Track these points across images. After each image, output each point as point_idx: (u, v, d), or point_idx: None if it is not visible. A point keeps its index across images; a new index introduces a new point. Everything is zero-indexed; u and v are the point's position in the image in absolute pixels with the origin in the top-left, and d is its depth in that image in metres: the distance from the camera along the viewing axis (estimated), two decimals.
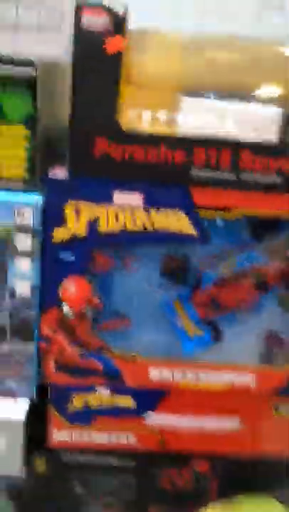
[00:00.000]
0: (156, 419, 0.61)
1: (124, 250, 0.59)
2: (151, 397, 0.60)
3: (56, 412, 0.61)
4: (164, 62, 0.58)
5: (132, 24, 0.56)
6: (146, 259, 0.59)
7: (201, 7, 0.69)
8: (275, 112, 0.49)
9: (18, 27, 0.50)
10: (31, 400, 0.61)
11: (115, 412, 0.61)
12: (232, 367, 0.57)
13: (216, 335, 0.60)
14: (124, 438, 0.62)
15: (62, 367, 0.59)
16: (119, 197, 0.52)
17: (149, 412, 0.61)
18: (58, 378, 0.59)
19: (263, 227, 0.57)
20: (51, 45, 0.50)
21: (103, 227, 0.53)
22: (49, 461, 0.64)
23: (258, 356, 0.61)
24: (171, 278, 0.59)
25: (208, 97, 0.55)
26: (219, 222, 0.53)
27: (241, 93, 0.56)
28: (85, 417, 0.61)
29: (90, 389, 0.60)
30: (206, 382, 0.58)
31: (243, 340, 0.61)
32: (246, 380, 0.58)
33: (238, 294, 0.57)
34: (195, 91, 0.57)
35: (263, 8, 0.72)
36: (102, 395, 0.60)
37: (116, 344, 0.59)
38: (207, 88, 0.57)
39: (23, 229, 0.55)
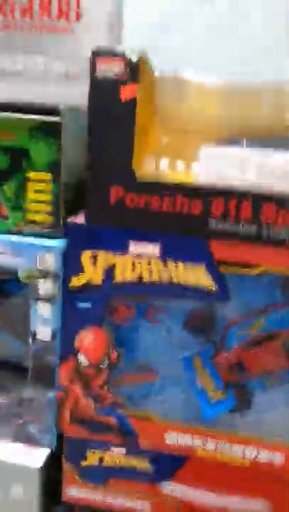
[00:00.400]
0: (173, 488, 0.55)
1: (147, 302, 0.56)
2: (169, 464, 0.55)
3: (69, 466, 0.58)
4: (201, 109, 0.57)
5: (168, 71, 0.55)
6: (171, 312, 0.56)
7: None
8: None
9: (46, 76, 0.51)
10: (51, 449, 0.59)
11: (131, 475, 0.57)
12: (258, 441, 0.51)
13: (243, 401, 0.54)
14: (138, 504, 0.57)
15: (78, 419, 0.56)
16: (136, 246, 0.49)
17: (166, 480, 0.56)
18: (72, 430, 0.57)
19: None
20: (75, 93, 0.50)
21: (119, 276, 0.51)
22: None
23: None
24: (195, 334, 0.55)
25: (243, 146, 0.52)
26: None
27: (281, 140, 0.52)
28: (100, 475, 0.58)
29: (106, 446, 0.57)
30: (227, 454, 0.52)
31: (276, 411, 0.54)
32: (273, 458, 0.51)
33: (265, 358, 0.51)
34: (232, 139, 0.54)
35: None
36: (117, 455, 0.56)
37: (134, 401, 0.55)
38: (245, 136, 0.54)
39: (45, 273, 0.54)
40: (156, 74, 0.51)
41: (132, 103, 0.44)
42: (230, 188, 0.44)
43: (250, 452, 0.51)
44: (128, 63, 0.43)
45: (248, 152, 0.45)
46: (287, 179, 0.44)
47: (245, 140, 0.52)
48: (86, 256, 0.51)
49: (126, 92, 0.44)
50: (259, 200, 0.44)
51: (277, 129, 0.54)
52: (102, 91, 0.45)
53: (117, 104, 0.45)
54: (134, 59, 0.43)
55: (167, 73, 0.55)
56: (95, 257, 0.51)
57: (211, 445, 0.52)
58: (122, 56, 0.44)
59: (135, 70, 0.44)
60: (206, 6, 0.80)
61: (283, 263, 0.46)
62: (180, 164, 0.47)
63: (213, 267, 0.48)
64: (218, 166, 0.45)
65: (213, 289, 0.48)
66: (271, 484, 0.52)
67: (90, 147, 0.47)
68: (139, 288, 0.51)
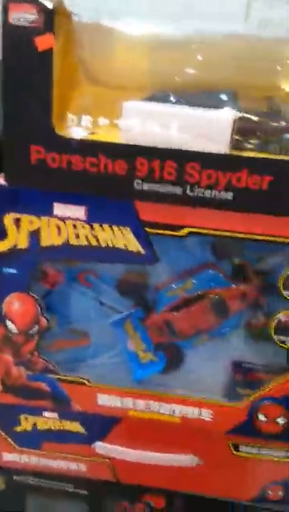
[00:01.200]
0: (107, 448, 0.56)
1: (77, 266, 0.55)
2: (101, 425, 0.55)
3: (3, 433, 0.58)
4: (128, 62, 0.54)
5: (91, 19, 0.52)
6: (102, 275, 0.55)
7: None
8: (227, 118, 0.42)
9: None
10: None
11: (65, 438, 0.57)
12: (187, 398, 0.52)
13: (173, 361, 0.54)
14: (74, 465, 0.58)
15: (9, 387, 0.55)
16: (61, 209, 0.47)
17: (100, 441, 0.56)
18: (4, 398, 0.56)
19: (224, 247, 0.51)
20: None
21: (45, 240, 0.49)
22: (4, 480, 0.61)
23: (222, 387, 0.55)
24: (126, 297, 0.54)
25: (170, 102, 0.50)
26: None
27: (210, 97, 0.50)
28: (34, 440, 0.58)
29: (38, 411, 0.56)
30: (157, 413, 0.53)
31: (204, 368, 0.55)
32: (202, 414, 0.52)
33: (194, 319, 0.52)
34: (160, 95, 0.52)
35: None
36: (49, 419, 0.56)
37: (66, 366, 0.55)
38: (177, 90, 0.52)
39: None
40: (78, 22, 0.47)
41: (48, 54, 0.41)
42: (154, 146, 0.43)
43: (180, 410, 0.52)
44: (43, 10, 0.40)
45: (172, 108, 0.44)
46: (212, 137, 0.42)
47: (172, 96, 0.50)
48: (9, 219, 0.48)
49: (41, 42, 0.41)
50: (183, 159, 0.43)
51: (208, 84, 0.53)
52: (15, 41, 0.41)
53: (32, 55, 0.41)
54: (50, 5, 0.40)
55: (91, 22, 0.52)
56: (18, 221, 0.48)
57: (141, 405, 0.53)
58: (37, 2, 0.40)
59: (51, 17, 0.40)
60: None
61: (210, 224, 0.45)
62: (103, 121, 0.45)
63: (140, 229, 0.47)
64: (141, 123, 0.43)
65: (141, 251, 0.47)
66: (200, 439, 0.54)
67: (4, 103, 0.43)
68: (67, 252, 0.49)
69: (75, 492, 0.59)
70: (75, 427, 0.56)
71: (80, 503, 0.60)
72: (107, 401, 0.53)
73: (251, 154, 0.43)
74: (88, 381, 0.53)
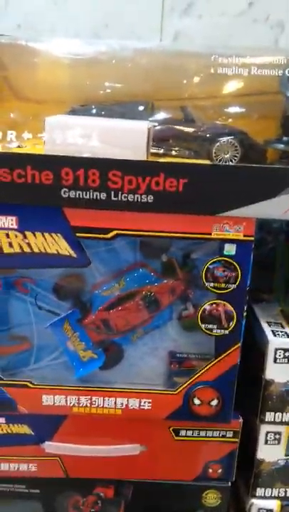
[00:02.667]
0: (55, 447, 0.58)
1: (13, 273, 0.57)
2: (48, 425, 0.58)
3: None
4: (51, 78, 0.57)
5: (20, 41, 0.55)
6: (38, 281, 0.57)
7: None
8: (142, 127, 0.46)
9: None
10: None
11: (14, 441, 0.59)
12: (126, 391, 0.55)
13: (112, 357, 0.58)
14: (24, 466, 0.60)
15: None
16: None
17: (48, 440, 0.58)
18: None
19: (152, 246, 0.55)
20: None
21: None
22: None
23: (160, 377, 0.59)
24: (63, 299, 0.57)
25: (92, 114, 0.54)
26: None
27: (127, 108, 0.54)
28: None
29: None
30: (100, 408, 0.56)
31: (144, 361, 0.59)
32: (141, 404, 0.56)
33: (129, 315, 0.55)
34: (83, 106, 0.56)
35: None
36: None
37: (10, 371, 0.57)
38: (97, 103, 0.56)
39: None
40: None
41: None
42: (77, 156, 0.46)
43: (121, 402, 0.55)
44: None
45: (92, 121, 0.47)
46: (127, 146, 0.46)
47: (93, 108, 0.54)
48: None
49: None
50: (105, 167, 0.46)
51: (127, 97, 0.57)
52: None
53: None
54: None
55: (12, 43, 0.55)
56: None
57: (84, 401, 0.55)
58: None
59: None
60: None
61: (135, 225, 0.49)
62: (27, 135, 0.48)
63: (71, 235, 0.50)
64: (63, 136, 0.46)
65: (73, 255, 0.50)
66: (143, 428, 0.57)
67: None
68: (2, 261, 0.51)
69: (28, 492, 0.61)
70: (23, 429, 0.58)
71: (33, 503, 0.62)
72: (52, 401, 0.56)
73: (167, 160, 0.47)
74: (31, 383, 0.55)
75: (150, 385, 0.57)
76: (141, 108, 0.53)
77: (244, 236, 0.49)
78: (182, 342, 0.58)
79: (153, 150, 0.47)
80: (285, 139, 0.55)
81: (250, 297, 0.53)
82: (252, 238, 0.50)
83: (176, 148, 0.50)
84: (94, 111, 0.53)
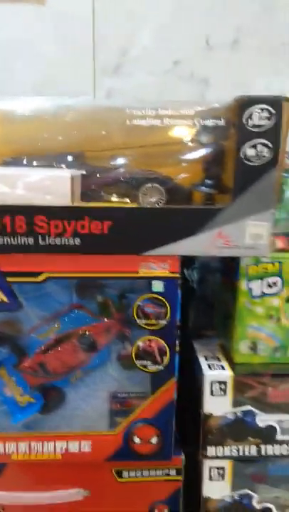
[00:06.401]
0: None
1: None
2: None
3: None
4: None
5: None
6: None
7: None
8: (66, 175, 0.49)
9: None
10: None
11: None
12: (65, 434, 0.55)
13: (51, 400, 0.58)
14: None
15: None
16: None
17: None
18: None
19: (86, 287, 0.57)
20: None
21: None
22: None
23: (102, 419, 0.59)
24: (1, 345, 0.57)
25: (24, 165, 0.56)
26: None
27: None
28: None
29: None
30: (39, 453, 0.55)
31: (85, 403, 0.59)
32: (82, 447, 0.55)
33: (65, 357, 0.56)
34: (15, 158, 0.58)
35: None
36: None
37: None
38: (29, 155, 0.58)
39: None
40: None
41: None
42: (3, 204, 0.48)
43: (61, 446, 0.55)
44: None
45: (18, 171, 0.50)
46: (54, 193, 0.49)
47: (25, 160, 0.57)
48: None
49: None
50: (31, 213, 0.49)
51: (57, 148, 0.60)
52: None
53: None
54: None
55: None
56: None
57: (23, 448, 0.55)
58: None
59: None
60: None
61: (64, 268, 0.51)
62: None
63: (1, 280, 0.51)
64: None
65: (5, 300, 0.51)
66: (85, 472, 0.57)
67: None
68: None
69: None
70: None
71: None
72: None
73: (91, 204, 0.50)
74: None
75: (94, 427, 0.57)
76: (70, 158, 0.56)
77: (170, 273, 0.52)
78: (123, 381, 0.59)
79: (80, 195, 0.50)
80: (207, 182, 0.58)
81: (191, 334, 0.54)
82: (177, 275, 0.52)
83: (102, 193, 0.54)
84: (24, 162, 0.56)
